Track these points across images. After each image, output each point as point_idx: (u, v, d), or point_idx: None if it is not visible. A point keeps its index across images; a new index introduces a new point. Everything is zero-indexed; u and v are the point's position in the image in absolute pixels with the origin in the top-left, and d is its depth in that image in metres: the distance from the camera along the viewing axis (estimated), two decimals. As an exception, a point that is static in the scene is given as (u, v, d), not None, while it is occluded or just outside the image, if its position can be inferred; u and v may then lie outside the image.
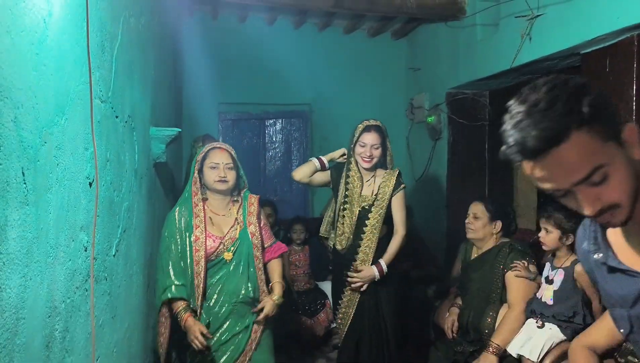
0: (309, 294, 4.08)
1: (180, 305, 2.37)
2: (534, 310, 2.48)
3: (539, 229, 2.51)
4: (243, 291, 2.48)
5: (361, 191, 2.92)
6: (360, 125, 2.91)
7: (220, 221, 2.52)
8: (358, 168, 2.92)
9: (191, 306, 2.40)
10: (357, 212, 2.89)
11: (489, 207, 2.83)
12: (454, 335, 2.85)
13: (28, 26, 1.18)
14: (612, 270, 1.10)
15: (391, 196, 2.88)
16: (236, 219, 2.54)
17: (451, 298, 3.20)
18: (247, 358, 2.49)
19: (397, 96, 5.30)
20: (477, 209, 2.84)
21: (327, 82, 5.11)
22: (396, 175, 2.91)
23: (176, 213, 2.47)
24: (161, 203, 3.02)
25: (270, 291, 2.57)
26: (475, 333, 2.72)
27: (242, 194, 2.62)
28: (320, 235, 3.21)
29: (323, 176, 3.06)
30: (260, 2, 4.00)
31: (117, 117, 1.98)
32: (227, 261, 2.47)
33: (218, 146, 2.57)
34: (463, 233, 2.93)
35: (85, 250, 1.58)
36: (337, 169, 3.04)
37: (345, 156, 3.01)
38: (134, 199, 2.28)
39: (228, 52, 4.87)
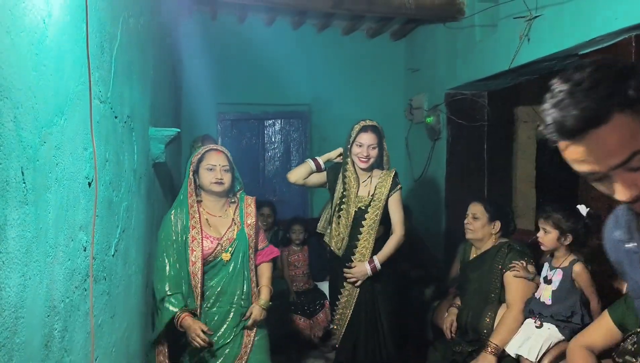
0: (308, 294, 4.09)
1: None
2: (533, 310, 2.49)
3: (537, 229, 2.52)
4: (239, 293, 2.49)
5: (357, 191, 2.92)
6: (356, 125, 2.91)
7: (217, 222, 2.52)
8: (355, 168, 2.92)
9: (189, 308, 2.41)
10: (354, 213, 2.89)
11: (487, 207, 2.83)
12: (453, 335, 2.85)
13: (28, 27, 1.19)
14: None
15: (388, 196, 2.88)
16: (233, 220, 2.54)
17: (450, 299, 3.21)
18: (243, 362, 2.49)
19: (396, 96, 5.31)
20: (476, 209, 2.85)
21: (326, 83, 5.12)
22: (392, 175, 2.91)
23: (172, 215, 2.47)
24: (160, 203, 3.02)
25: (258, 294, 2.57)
26: (474, 333, 2.72)
27: (238, 196, 2.63)
28: (318, 231, 3.21)
29: (319, 178, 3.06)
30: (259, 3, 4.01)
31: (116, 117, 1.98)
32: (226, 262, 2.48)
33: (214, 148, 2.58)
34: (462, 233, 2.94)
35: (85, 250, 1.59)
36: (333, 169, 3.04)
37: (342, 157, 3.01)
38: (133, 199, 2.28)
39: (227, 53, 4.88)
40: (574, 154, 0.92)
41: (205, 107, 4.84)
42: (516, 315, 2.55)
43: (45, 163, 1.28)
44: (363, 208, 2.90)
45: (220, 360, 2.47)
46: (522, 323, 2.51)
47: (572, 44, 2.85)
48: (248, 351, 2.51)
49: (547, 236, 2.44)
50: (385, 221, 2.92)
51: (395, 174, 2.93)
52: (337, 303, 3.00)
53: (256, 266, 2.62)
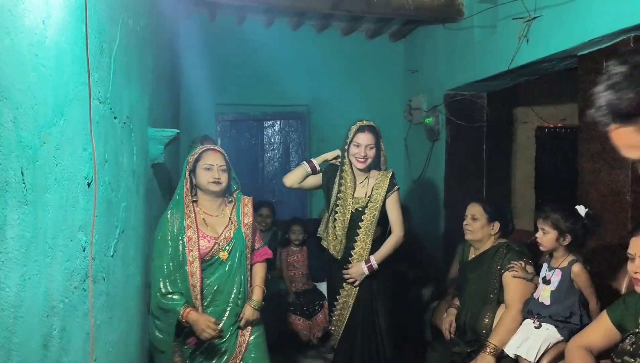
0: (307, 295, 4.09)
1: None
2: (531, 310, 2.49)
3: (536, 230, 2.52)
4: (235, 292, 2.49)
5: (354, 192, 2.91)
6: (353, 126, 2.91)
7: (214, 222, 2.53)
8: (352, 169, 2.91)
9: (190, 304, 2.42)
10: (350, 214, 2.89)
11: (486, 208, 2.83)
12: (452, 335, 2.85)
13: (27, 27, 1.19)
14: None
15: (385, 198, 2.88)
16: (230, 219, 2.55)
17: (448, 299, 3.20)
18: (238, 361, 2.50)
19: (395, 97, 5.32)
20: (475, 210, 2.85)
21: (325, 84, 5.13)
22: (389, 176, 2.90)
23: (168, 216, 2.48)
24: (159, 204, 3.02)
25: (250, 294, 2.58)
26: (473, 334, 2.72)
27: (234, 196, 2.64)
28: (318, 235, 3.21)
29: (315, 180, 3.05)
30: (258, 4, 4.01)
31: (115, 118, 1.99)
32: (223, 260, 2.49)
33: (212, 147, 2.59)
34: (461, 233, 2.94)
35: (84, 250, 1.59)
36: (329, 171, 3.03)
37: (339, 160, 2.99)
38: (132, 199, 2.29)
39: (226, 54, 4.88)
40: (625, 138, 0.89)
41: (204, 108, 4.84)
42: (515, 316, 2.56)
43: (44, 164, 1.29)
44: (360, 209, 2.89)
45: (215, 359, 2.48)
46: (521, 324, 2.51)
47: (571, 45, 2.86)
48: (243, 350, 2.52)
49: (546, 237, 2.44)
50: (382, 222, 2.92)
51: (393, 175, 2.93)
52: (335, 304, 2.99)
53: (251, 266, 2.63)
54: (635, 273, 1.87)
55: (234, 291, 2.49)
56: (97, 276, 1.74)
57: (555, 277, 2.43)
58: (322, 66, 5.12)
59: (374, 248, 2.89)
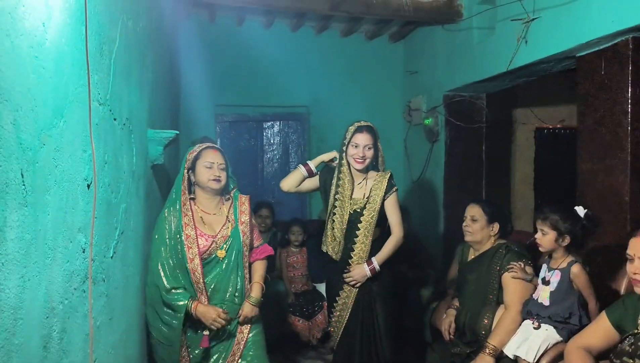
0: (306, 296, 4.09)
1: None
2: (530, 311, 2.49)
3: (535, 230, 2.52)
4: (232, 290, 2.50)
5: (352, 194, 2.91)
6: (351, 126, 2.90)
7: (211, 220, 2.54)
8: (350, 170, 2.91)
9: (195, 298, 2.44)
10: (348, 215, 2.89)
11: (486, 209, 2.83)
12: (451, 336, 2.86)
13: (27, 30, 1.19)
14: None
15: (383, 199, 2.88)
16: (227, 217, 2.56)
17: (448, 300, 3.21)
18: (236, 358, 2.50)
19: (394, 98, 5.33)
20: (474, 211, 2.85)
21: (324, 85, 5.13)
22: (388, 177, 2.90)
23: (165, 214, 2.48)
24: (158, 205, 3.01)
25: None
26: (472, 335, 2.72)
27: (232, 194, 2.64)
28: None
29: (312, 183, 3.03)
30: (257, 5, 4.01)
31: (115, 119, 1.99)
32: (221, 258, 2.49)
33: (211, 145, 2.59)
34: (460, 234, 2.94)
35: (83, 252, 1.59)
36: (326, 173, 3.02)
37: (336, 161, 2.98)
38: (132, 201, 2.29)
39: (225, 55, 4.89)
40: None
41: (203, 109, 4.85)
42: (514, 316, 2.56)
43: (44, 165, 1.29)
44: (358, 210, 2.89)
45: (214, 357, 2.50)
46: (520, 325, 2.52)
47: (569, 46, 2.86)
48: (241, 348, 2.53)
49: (545, 238, 2.44)
50: (381, 223, 2.92)
51: (391, 176, 2.92)
52: (334, 305, 2.99)
53: (250, 264, 2.63)
54: (634, 274, 1.87)
55: (231, 289, 2.50)
56: (97, 278, 1.74)
57: (555, 278, 2.43)
58: (321, 67, 5.13)
59: (374, 249, 2.89)
